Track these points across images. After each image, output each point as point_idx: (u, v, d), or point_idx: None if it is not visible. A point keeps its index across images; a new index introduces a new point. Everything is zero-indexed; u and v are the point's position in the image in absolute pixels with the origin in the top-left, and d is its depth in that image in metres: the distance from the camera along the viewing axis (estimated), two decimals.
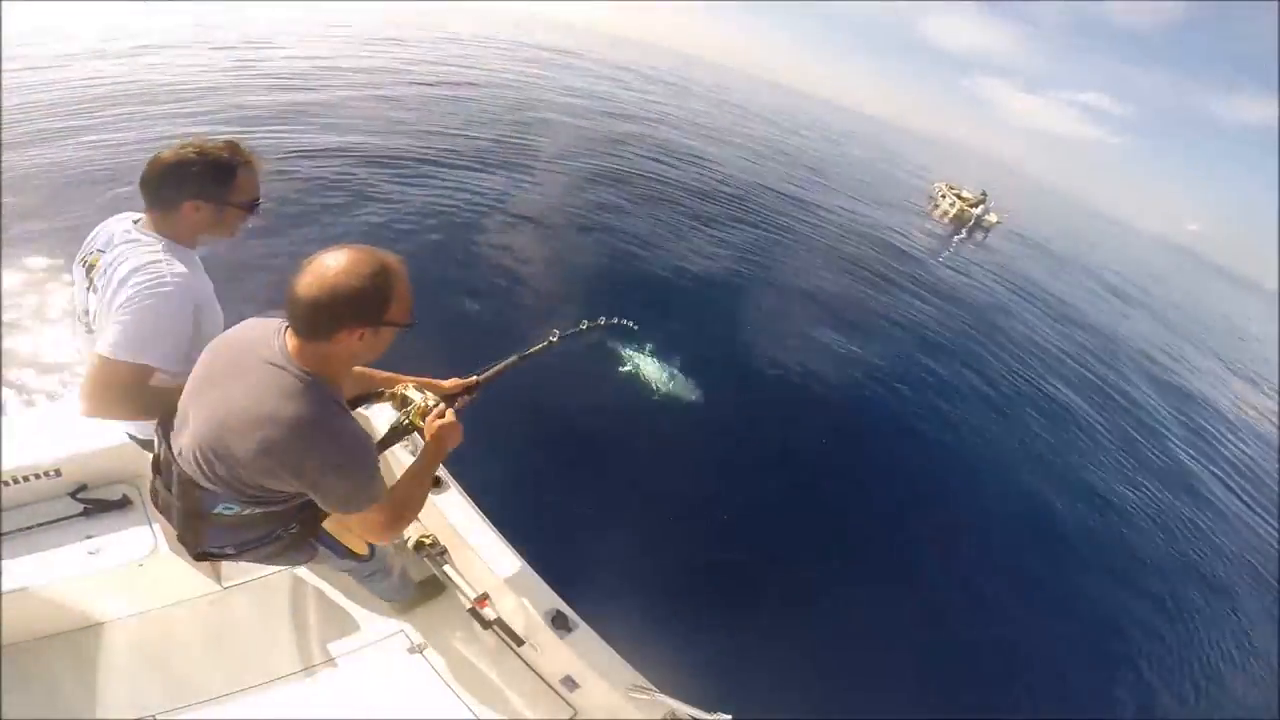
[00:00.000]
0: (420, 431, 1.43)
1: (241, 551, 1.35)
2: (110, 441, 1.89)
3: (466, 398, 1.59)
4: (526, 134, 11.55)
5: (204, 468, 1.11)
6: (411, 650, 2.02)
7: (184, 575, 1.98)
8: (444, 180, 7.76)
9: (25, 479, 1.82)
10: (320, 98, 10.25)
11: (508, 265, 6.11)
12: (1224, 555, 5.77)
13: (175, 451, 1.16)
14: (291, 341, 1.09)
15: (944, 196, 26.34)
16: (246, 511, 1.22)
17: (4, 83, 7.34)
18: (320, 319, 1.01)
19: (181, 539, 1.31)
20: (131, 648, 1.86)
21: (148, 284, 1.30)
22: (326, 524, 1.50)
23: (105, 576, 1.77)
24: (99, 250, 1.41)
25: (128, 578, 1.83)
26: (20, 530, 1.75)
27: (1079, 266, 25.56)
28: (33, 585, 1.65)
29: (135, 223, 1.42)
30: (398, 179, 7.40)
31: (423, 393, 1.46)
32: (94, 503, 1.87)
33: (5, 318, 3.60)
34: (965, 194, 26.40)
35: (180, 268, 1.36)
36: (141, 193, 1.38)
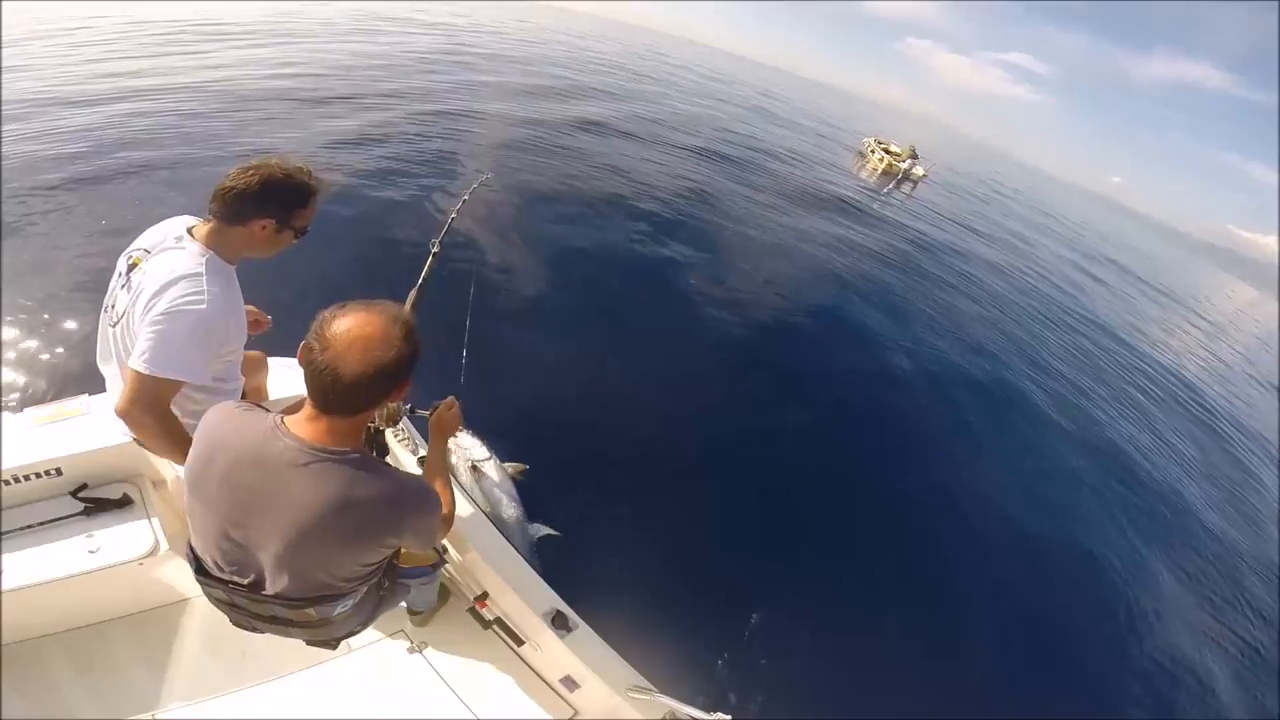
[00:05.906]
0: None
1: (367, 624, 1.45)
2: (111, 440, 1.89)
3: None
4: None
5: (307, 589, 1.15)
6: (411, 650, 2.02)
7: (184, 574, 1.96)
8: None
9: (25, 478, 1.81)
10: None
11: None
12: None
13: (264, 592, 1.16)
14: (312, 424, 1.06)
15: (873, 152, 26.64)
16: (357, 599, 1.29)
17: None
18: (362, 396, 1.03)
19: (315, 643, 1.41)
20: (132, 647, 1.86)
21: (185, 299, 1.30)
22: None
23: (105, 575, 1.76)
24: (145, 251, 1.40)
25: (128, 576, 1.82)
26: (20, 529, 1.74)
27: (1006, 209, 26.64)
28: (33, 584, 1.65)
29: (189, 230, 1.42)
30: None
31: None
32: (94, 501, 1.87)
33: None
34: (893, 148, 26.85)
35: (216, 287, 1.36)
36: (213, 202, 1.36)
